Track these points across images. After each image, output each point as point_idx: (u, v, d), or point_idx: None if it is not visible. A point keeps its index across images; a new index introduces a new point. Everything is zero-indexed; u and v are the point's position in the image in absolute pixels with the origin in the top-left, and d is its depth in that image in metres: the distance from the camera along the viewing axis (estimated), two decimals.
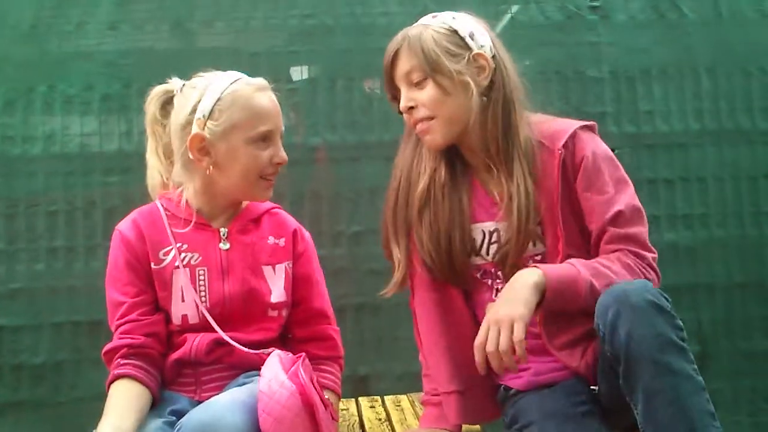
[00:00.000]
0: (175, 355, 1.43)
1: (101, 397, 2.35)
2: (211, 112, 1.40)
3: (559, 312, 1.40)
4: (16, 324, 2.33)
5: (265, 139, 1.44)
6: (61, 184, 2.38)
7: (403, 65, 1.44)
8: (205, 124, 1.40)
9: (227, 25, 2.46)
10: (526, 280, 1.31)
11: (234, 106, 1.41)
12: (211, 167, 1.42)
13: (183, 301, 1.43)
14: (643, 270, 1.39)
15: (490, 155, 1.47)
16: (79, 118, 2.40)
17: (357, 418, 1.80)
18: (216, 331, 1.41)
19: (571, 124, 1.47)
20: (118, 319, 1.42)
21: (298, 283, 1.53)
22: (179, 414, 1.32)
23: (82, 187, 2.38)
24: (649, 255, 1.42)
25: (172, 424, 1.27)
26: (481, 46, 1.45)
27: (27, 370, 2.32)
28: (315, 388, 1.27)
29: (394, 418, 1.77)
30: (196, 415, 1.20)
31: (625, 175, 1.48)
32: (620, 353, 1.22)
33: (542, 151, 1.46)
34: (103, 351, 1.41)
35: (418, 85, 1.44)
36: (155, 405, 1.37)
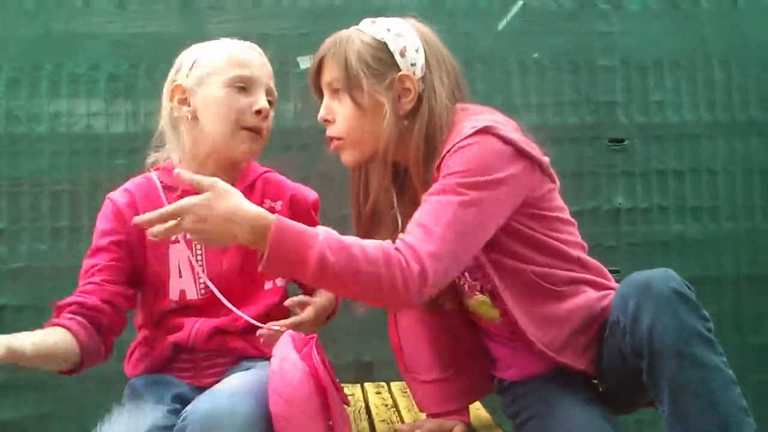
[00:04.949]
0: (171, 338, 1.40)
1: (104, 380, 2.31)
2: (192, 65, 1.45)
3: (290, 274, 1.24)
4: (18, 303, 2.31)
5: (245, 86, 1.43)
6: (66, 164, 2.36)
7: (326, 74, 1.35)
8: (186, 76, 1.44)
9: (236, 6, 2.44)
10: (248, 226, 1.13)
11: (212, 54, 1.45)
12: (189, 116, 1.42)
13: (180, 276, 1.40)
14: (392, 278, 1.13)
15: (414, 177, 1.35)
16: (85, 98, 2.38)
17: (363, 404, 1.79)
18: (216, 317, 1.39)
19: (459, 134, 1.25)
20: (80, 280, 1.37)
21: None
22: (182, 399, 1.30)
23: (87, 167, 2.36)
24: (414, 266, 1.14)
25: (176, 412, 1.23)
26: (412, 65, 1.32)
27: None
28: (327, 370, 1.25)
29: (401, 404, 1.75)
30: (202, 405, 1.14)
31: (472, 193, 1.20)
32: (643, 346, 1.16)
33: None
34: (56, 306, 1.31)
35: (338, 96, 1.34)
36: (85, 364, 1.30)
